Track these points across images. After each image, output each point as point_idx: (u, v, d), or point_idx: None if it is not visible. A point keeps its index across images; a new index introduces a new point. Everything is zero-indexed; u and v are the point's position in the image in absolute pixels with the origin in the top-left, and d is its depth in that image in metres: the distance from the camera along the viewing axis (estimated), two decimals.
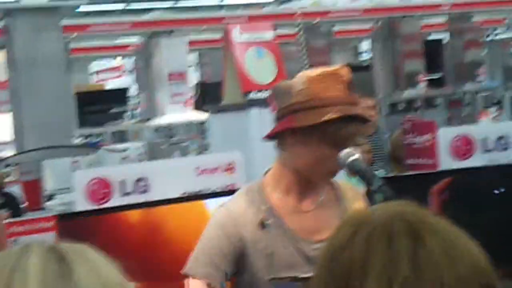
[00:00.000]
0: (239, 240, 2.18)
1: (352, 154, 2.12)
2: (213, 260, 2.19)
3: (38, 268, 0.95)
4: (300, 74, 2.24)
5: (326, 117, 2.11)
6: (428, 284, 1.04)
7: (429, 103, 11.25)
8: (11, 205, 7.01)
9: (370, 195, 2.11)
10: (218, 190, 3.82)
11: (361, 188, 2.24)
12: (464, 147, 4.51)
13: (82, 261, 0.99)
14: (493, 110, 12.49)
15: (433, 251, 1.07)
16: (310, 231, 2.22)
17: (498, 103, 13.29)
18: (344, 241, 1.09)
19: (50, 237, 3.31)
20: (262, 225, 2.19)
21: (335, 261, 1.09)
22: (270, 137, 2.25)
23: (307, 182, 2.24)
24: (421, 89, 9.76)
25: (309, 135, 2.14)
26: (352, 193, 2.31)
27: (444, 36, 11.25)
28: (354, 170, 2.10)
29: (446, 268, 1.06)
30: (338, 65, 2.25)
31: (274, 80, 6.21)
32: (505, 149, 4.51)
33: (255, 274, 2.19)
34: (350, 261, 1.07)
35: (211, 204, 3.12)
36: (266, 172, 2.29)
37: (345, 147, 2.13)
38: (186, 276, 2.23)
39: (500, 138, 4.52)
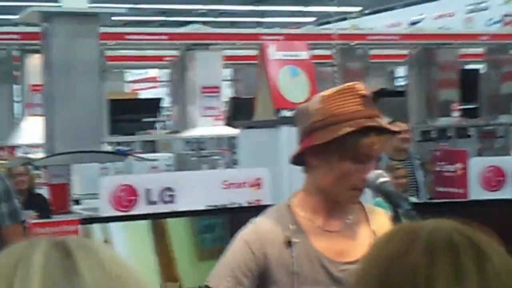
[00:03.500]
0: (264, 256, 2.18)
1: (381, 176, 2.10)
2: (236, 275, 2.17)
3: (41, 263, 0.92)
4: (317, 94, 2.24)
5: (341, 132, 2.11)
6: None
7: (462, 133, 11.15)
8: (41, 206, 7.04)
9: (396, 219, 2.08)
10: (244, 205, 3.81)
11: (389, 213, 2.22)
12: (495, 178, 4.45)
13: (89, 258, 0.96)
14: None
15: (498, 268, 1.03)
16: (337, 252, 2.20)
17: None
18: (402, 250, 1.05)
19: None
20: (288, 243, 2.18)
21: (391, 269, 1.05)
22: (295, 162, 2.26)
23: (335, 203, 2.23)
24: (454, 118, 9.66)
25: (329, 152, 2.15)
26: (382, 218, 2.28)
27: (481, 67, 11.16)
28: (382, 192, 2.08)
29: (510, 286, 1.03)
30: (354, 83, 2.24)
31: (307, 100, 6.19)
32: None
33: None
34: (411, 270, 1.03)
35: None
36: (295, 193, 2.29)
37: (368, 161, 2.11)
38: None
39: None
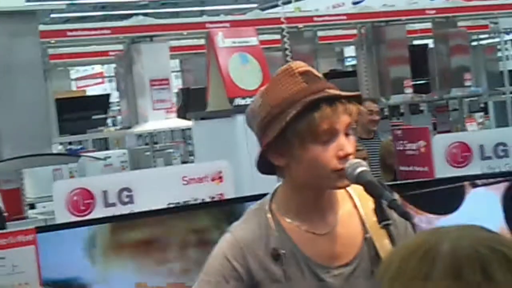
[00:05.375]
0: (247, 271, 1.97)
1: (358, 165, 1.93)
2: None
3: None
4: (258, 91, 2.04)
5: (287, 118, 1.90)
6: None
7: (414, 108, 11.14)
8: None
9: (379, 211, 1.93)
10: (207, 200, 3.67)
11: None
12: (461, 154, 4.37)
13: None
14: (478, 116, 12.43)
15: None
16: (328, 256, 2.01)
17: (483, 109, 13.23)
18: (420, 275, 0.91)
19: (29, 250, 3.14)
20: (276, 256, 1.99)
21: None
22: (266, 171, 2.06)
23: (319, 200, 2.04)
24: (407, 94, 9.63)
25: (288, 145, 1.94)
26: (369, 202, 2.09)
27: (430, 42, 11.16)
28: (361, 183, 1.91)
29: None
30: (288, 64, 2.02)
31: (260, 86, 6.06)
32: (504, 156, 4.37)
33: None
34: None
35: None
36: (274, 193, 2.10)
37: (334, 137, 1.94)
38: None
39: (498, 144, 4.38)
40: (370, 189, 1.90)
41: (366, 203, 2.05)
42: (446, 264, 0.89)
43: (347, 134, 1.97)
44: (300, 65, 2.00)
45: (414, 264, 0.91)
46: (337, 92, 1.95)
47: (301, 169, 1.96)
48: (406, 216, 1.83)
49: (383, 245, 1.99)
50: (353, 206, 2.07)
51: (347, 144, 1.96)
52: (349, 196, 2.08)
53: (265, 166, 2.02)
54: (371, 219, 2.01)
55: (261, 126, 1.98)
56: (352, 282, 2.00)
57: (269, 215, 2.03)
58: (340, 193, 2.06)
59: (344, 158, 1.95)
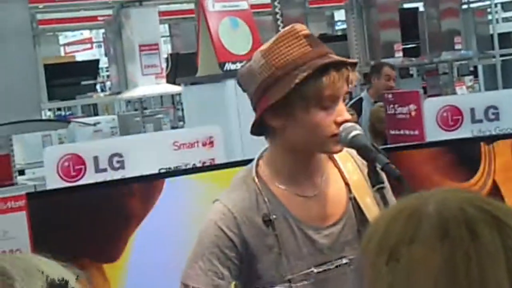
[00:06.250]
0: (241, 239, 1.95)
1: (352, 129, 1.94)
2: (215, 266, 1.94)
3: None
4: (256, 51, 2.02)
5: (297, 80, 1.90)
6: None
7: (404, 72, 11.12)
8: None
9: (373, 175, 1.93)
10: (198, 165, 3.67)
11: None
12: (451, 118, 4.37)
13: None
14: (468, 79, 12.41)
15: None
16: (318, 217, 2.03)
17: (473, 73, 13.21)
18: (406, 238, 0.89)
19: (21, 216, 3.13)
20: (267, 221, 1.99)
21: (396, 257, 0.89)
22: (256, 132, 2.06)
23: (307, 163, 2.05)
24: (398, 58, 9.60)
25: (290, 107, 1.93)
26: (350, 166, 2.11)
27: (420, 5, 11.11)
28: (355, 147, 1.92)
29: None
30: (291, 25, 2.03)
31: (251, 50, 6.04)
32: (495, 119, 4.37)
33: (263, 273, 1.99)
34: (424, 257, 0.87)
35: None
36: (259, 158, 2.09)
37: (335, 102, 1.95)
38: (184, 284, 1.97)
39: (489, 108, 4.38)
40: (363, 152, 1.91)
41: (345, 163, 2.07)
42: (432, 225, 0.87)
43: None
44: (304, 28, 2.02)
45: (399, 228, 0.89)
46: (343, 58, 1.98)
47: (298, 132, 1.96)
48: (399, 180, 1.83)
49: (366, 203, 2.02)
50: (335, 167, 2.08)
51: (345, 110, 1.99)
52: (329, 157, 2.09)
53: (257, 127, 2.02)
54: (352, 178, 2.04)
55: (262, 87, 1.96)
56: (342, 241, 2.02)
57: (257, 181, 2.02)
58: (325, 158, 2.07)
59: (341, 124, 1.97)
